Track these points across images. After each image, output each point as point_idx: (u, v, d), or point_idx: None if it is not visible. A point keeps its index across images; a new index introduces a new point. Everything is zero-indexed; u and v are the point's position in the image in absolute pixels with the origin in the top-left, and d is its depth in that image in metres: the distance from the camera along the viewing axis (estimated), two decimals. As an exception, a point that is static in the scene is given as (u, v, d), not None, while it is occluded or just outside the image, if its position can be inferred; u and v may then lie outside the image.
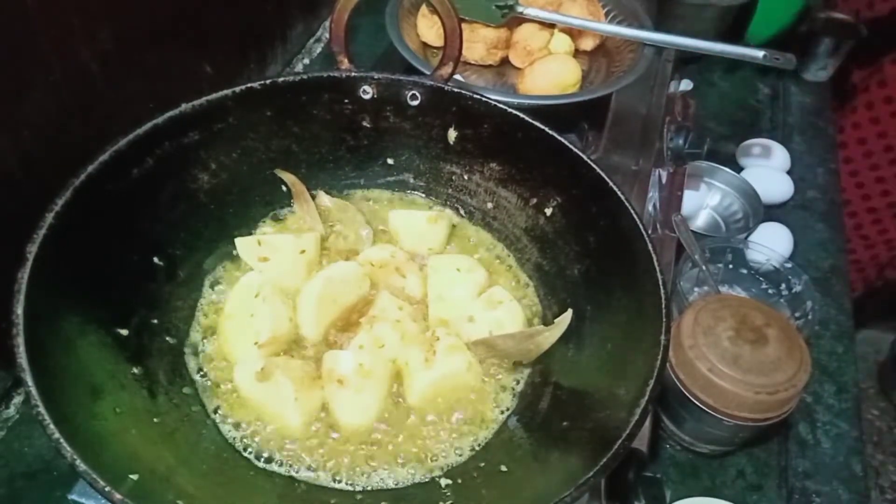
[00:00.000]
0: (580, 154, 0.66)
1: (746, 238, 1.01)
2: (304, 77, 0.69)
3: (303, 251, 0.70)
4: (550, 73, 0.94)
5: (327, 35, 1.20)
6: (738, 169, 1.14)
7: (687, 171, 1.01)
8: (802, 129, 1.30)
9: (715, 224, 1.10)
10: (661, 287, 0.56)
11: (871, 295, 1.76)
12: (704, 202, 1.11)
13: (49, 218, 0.52)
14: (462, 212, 0.79)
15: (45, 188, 0.54)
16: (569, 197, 0.69)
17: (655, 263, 0.58)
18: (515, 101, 0.90)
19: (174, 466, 0.53)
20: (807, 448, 0.84)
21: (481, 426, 0.63)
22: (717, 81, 1.38)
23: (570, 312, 0.65)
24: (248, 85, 0.66)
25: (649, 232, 0.60)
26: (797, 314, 0.90)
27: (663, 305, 0.55)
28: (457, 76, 0.76)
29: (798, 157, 1.21)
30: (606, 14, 1.08)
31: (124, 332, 0.59)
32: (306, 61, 1.21)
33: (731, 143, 1.22)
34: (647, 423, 0.63)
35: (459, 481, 0.59)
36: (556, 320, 0.65)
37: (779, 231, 1.05)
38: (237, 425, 0.61)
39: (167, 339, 0.64)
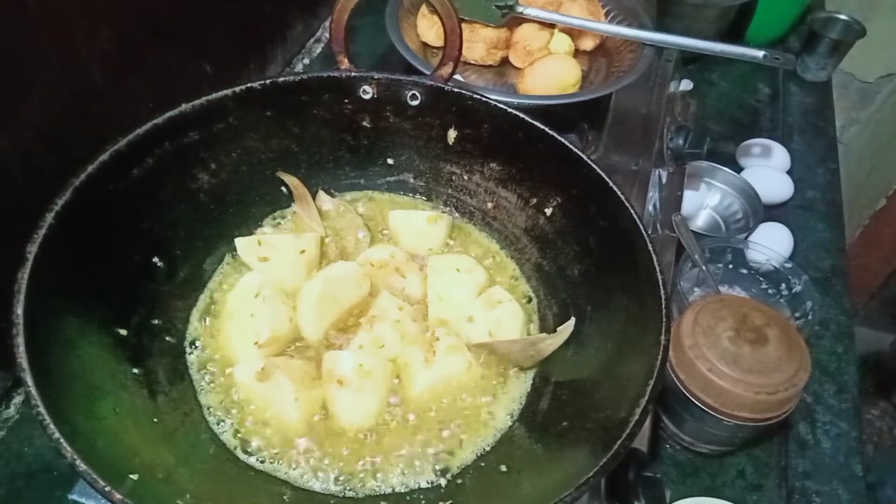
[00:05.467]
0: (580, 154, 0.66)
1: (746, 238, 1.01)
2: (304, 77, 0.69)
3: (303, 251, 0.70)
4: (550, 73, 0.94)
5: (327, 35, 1.20)
6: (738, 169, 1.14)
7: (687, 171, 1.00)
8: (802, 129, 1.29)
9: (715, 224, 1.10)
10: (661, 287, 0.56)
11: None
12: (704, 202, 1.10)
13: (49, 218, 0.52)
14: (462, 212, 0.79)
15: (45, 188, 0.54)
16: (569, 197, 0.69)
17: (655, 263, 0.58)
18: (515, 101, 0.90)
19: (174, 466, 0.53)
20: (807, 448, 0.84)
21: (481, 426, 0.63)
22: (717, 81, 1.37)
23: (572, 321, 0.65)
24: (248, 85, 0.66)
25: (649, 232, 0.60)
26: (797, 314, 0.90)
27: (663, 305, 0.55)
28: (457, 76, 0.75)
29: (798, 157, 1.21)
30: (606, 14, 1.08)
31: (124, 332, 0.59)
32: (306, 61, 1.21)
33: (731, 143, 1.22)
34: (647, 423, 0.63)
35: (459, 482, 0.59)
36: (559, 328, 0.65)
37: (779, 231, 1.05)
38: (237, 425, 0.61)
39: (167, 339, 0.64)
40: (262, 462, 0.59)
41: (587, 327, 0.65)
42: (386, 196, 0.80)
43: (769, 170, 1.16)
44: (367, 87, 0.71)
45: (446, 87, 0.71)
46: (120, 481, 0.45)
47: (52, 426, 0.44)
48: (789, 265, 0.92)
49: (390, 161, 0.78)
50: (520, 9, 0.97)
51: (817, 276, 1.04)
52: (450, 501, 0.57)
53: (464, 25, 0.73)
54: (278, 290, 0.67)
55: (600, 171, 0.64)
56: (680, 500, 0.74)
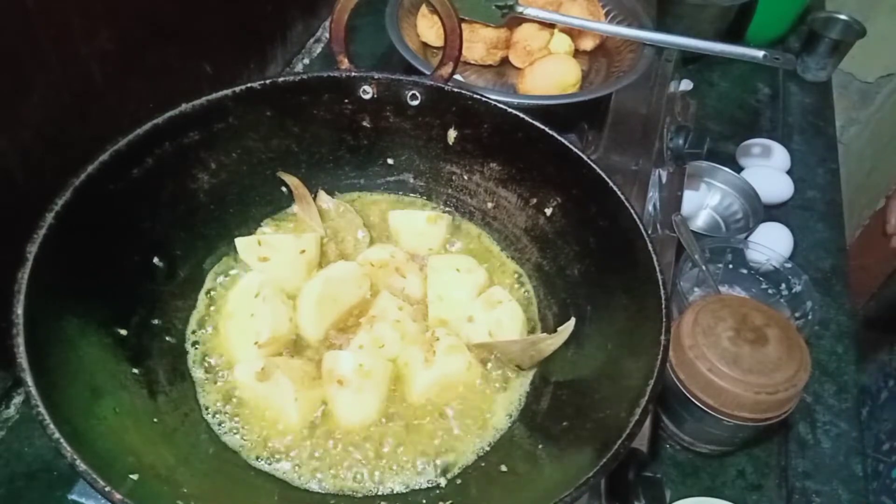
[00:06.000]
0: (580, 154, 0.66)
1: (746, 238, 1.01)
2: (304, 77, 0.69)
3: (303, 251, 0.70)
4: (550, 73, 0.94)
5: (327, 35, 1.20)
6: (738, 169, 1.14)
7: (687, 171, 1.01)
8: (802, 129, 1.30)
9: (715, 224, 1.10)
10: (661, 287, 0.56)
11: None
12: (704, 202, 1.11)
13: (49, 218, 0.52)
14: (462, 212, 0.79)
15: (45, 188, 0.54)
16: (569, 197, 0.69)
17: (655, 263, 0.58)
18: (515, 101, 0.90)
19: (174, 466, 0.53)
20: (807, 448, 0.84)
21: (481, 426, 0.63)
22: (717, 81, 1.38)
23: (572, 321, 0.65)
24: (248, 85, 0.66)
25: (649, 232, 0.60)
26: (797, 314, 0.90)
27: (663, 305, 0.55)
28: (457, 76, 0.76)
29: (798, 157, 1.21)
30: (606, 14, 1.08)
31: (124, 332, 0.59)
32: (306, 61, 1.21)
33: (731, 143, 1.22)
34: (647, 423, 0.63)
35: (459, 482, 0.59)
36: (559, 329, 0.65)
37: (779, 231, 1.05)
38: (237, 426, 0.61)
39: (167, 339, 0.64)
40: (262, 462, 0.59)
41: (587, 327, 0.65)
42: (386, 196, 0.80)
43: (769, 170, 1.16)
44: (367, 87, 0.71)
45: (446, 87, 0.71)
46: (120, 481, 0.44)
47: (52, 426, 0.44)
48: (789, 265, 0.92)
49: (390, 161, 0.78)
50: (520, 9, 0.97)
51: (817, 276, 1.04)
52: (450, 501, 0.57)
53: (464, 25, 0.73)
54: (278, 290, 0.67)
55: (600, 171, 0.64)
56: (680, 500, 0.74)
